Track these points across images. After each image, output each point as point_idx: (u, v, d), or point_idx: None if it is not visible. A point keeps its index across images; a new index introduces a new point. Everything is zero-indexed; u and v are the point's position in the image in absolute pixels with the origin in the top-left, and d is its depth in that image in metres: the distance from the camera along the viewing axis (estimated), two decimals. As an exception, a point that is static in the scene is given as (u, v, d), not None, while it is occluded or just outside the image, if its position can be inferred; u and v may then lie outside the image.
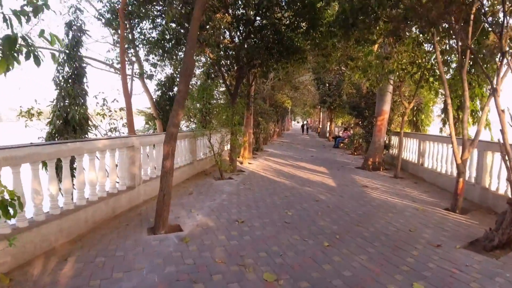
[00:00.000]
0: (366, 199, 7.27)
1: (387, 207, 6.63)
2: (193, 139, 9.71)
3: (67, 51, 8.27)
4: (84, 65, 8.84)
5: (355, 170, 11.60)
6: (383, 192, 8.05)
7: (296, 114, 72.40)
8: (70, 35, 8.46)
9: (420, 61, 9.36)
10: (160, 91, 11.48)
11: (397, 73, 9.95)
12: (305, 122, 44.48)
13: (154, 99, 11.20)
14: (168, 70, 12.60)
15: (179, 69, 12.39)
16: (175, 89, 12.32)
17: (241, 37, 10.23)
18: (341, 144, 21.08)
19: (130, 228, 5.13)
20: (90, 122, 8.84)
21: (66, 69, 8.38)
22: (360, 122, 14.70)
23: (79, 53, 8.56)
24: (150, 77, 10.63)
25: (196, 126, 9.44)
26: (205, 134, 9.40)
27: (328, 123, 32.34)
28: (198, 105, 9.56)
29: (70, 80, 8.26)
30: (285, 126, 48.65)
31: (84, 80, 8.69)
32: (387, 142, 12.59)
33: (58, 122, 7.96)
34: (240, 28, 10.03)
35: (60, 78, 8.41)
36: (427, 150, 10.13)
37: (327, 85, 25.84)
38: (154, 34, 10.90)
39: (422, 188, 8.61)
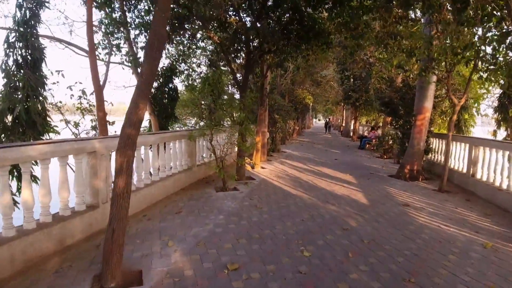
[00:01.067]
0: (412, 227, 5.37)
1: (443, 242, 4.73)
2: (193, 140, 8.06)
3: (20, 29, 6.61)
4: (43, 46, 7.15)
5: (388, 180, 9.65)
6: (432, 214, 6.12)
7: (317, 111, 70.04)
8: (23, 8, 6.80)
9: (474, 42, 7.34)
10: (156, 83, 9.90)
11: (445, 60, 7.96)
12: (328, 120, 41.70)
13: (149, 92, 9.63)
14: (166, 59, 10.93)
15: (180, 56, 10.77)
16: (175, 80, 10.71)
17: (252, 17, 8.46)
18: (368, 145, 19.01)
19: (71, 273, 3.50)
20: (60, 119, 7.28)
21: (20, 51, 6.74)
22: (393, 121, 12.61)
23: (35, 31, 6.90)
24: (138, 63, 9.02)
25: (204, 124, 7.76)
26: (206, 134, 7.71)
27: (352, 122, 30.12)
28: (204, 101, 7.84)
29: (23, 66, 6.62)
30: (306, 124, 46.59)
31: (43, 65, 7.00)
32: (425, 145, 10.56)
33: (4, 119, 6.35)
34: (253, 5, 8.24)
35: (10, 63, 6.77)
36: (481, 158, 8.11)
37: (352, 79, 23.71)
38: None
39: (480, 209, 6.62)
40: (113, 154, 5.28)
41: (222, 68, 9.21)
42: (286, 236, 4.72)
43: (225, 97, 8.27)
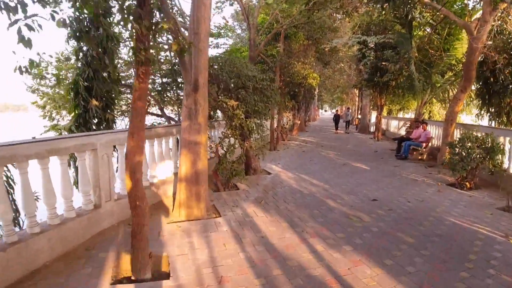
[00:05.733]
0: None
1: None
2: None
3: None
4: None
5: None
6: None
7: (323, 101, 61.95)
8: None
9: None
10: None
11: None
12: (348, 111, 26.24)
13: None
14: None
15: None
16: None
17: None
18: (414, 152, 11.34)
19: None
20: None
21: None
22: None
23: None
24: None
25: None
26: None
27: (374, 113, 22.41)
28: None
29: None
30: (311, 116, 38.77)
31: None
32: None
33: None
34: None
35: None
36: None
37: (373, 51, 15.88)
38: None
39: None
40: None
41: None
42: None
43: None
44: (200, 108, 4.85)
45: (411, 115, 23.27)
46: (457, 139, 7.66)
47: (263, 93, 6.26)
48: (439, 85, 13.08)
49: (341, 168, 9.48)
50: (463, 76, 8.67)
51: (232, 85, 5.88)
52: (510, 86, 8.92)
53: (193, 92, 4.74)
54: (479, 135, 7.45)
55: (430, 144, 11.13)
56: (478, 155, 7.04)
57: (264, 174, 8.32)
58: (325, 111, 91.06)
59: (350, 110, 25.64)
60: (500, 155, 7.10)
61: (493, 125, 10.39)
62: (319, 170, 9.13)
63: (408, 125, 13.91)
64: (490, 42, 8.26)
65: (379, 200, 6.22)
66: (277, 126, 14.27)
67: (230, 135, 6.25)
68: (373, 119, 22.72)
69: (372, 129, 22.36)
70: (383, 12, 13.05)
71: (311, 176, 8.22)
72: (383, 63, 12.87)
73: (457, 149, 7.55)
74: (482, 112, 10.61)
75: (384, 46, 15.29)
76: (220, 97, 5.83)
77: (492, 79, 9.19)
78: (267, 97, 6.37)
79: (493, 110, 9.79)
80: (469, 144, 7.30)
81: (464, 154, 7.23)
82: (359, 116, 26.46)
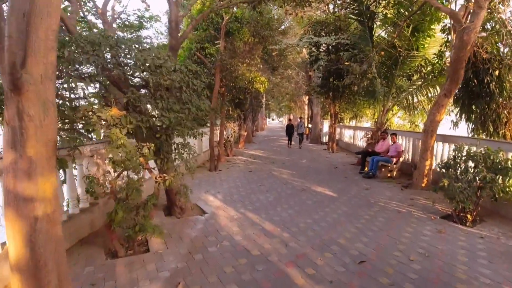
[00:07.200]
0: None
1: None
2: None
3: None
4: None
5: None
6: None
7: (271, 109, 60.51)
8: None
9: None
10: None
11: None
12: (301, 122, 20.67)
13: None
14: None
15: None
16: None
17: None
18: (383, 169, 9.48)
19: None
20: None
21: None
22: None
23: None
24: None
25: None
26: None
27: (326, 122, 20.90)
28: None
29: None
30: (259, 125, 36.88)
31: None
32: None
33: None
34: None
35: None
36: None
37: (325, 53, 14.18)
38: None
39: None
40: None
41: None
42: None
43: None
44: (30, 125, 2.29)
45: (365, 123, 22.13)
46: (452, 157, 5.77)
47: (175, 96, 3.74)
48: (403, 89, 11.54)
49: (300, 197, 7.25)
50: (448, 78, 6.91)
51: (107, 79, 3.33)
52: (497, 90, 7.36)
53: (13, 93, 2.20)
54: (480, 151, 5.62)
55: (401, 158, 9.37)
56: (487, 179, 5.16)
57: (195, 214, 5.82)
58: (272, 119, 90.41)
59: (303, 121, 22.81)
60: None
61: (469, 135, 8.88)
62: (272, 202, 6.80)
63: (369, 135, 12.17)
64: (484, 34, 6.63)
65: (367, 260, 4.03)
66: (219, 141, 11.86)
67: (123, 167, 3.71)
68: (325, 128, 21.17)
69: (325, 139, 20.78)
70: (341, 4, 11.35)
71: (262, 215, 5.86)
72: (346, 62, 10.99)
73: (452, 170, 5.68)
74: (457, 119, 9.07)
75: (338, 48, 13.64)
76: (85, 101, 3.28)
77: (475, 80, 7.60)
78: (182, 102, 3.83)
79: (474, 117, 8.22)
80: (472, 165, 5.45)
81: (467, 178, 5.35)
82: (310, 125, 24.89)
